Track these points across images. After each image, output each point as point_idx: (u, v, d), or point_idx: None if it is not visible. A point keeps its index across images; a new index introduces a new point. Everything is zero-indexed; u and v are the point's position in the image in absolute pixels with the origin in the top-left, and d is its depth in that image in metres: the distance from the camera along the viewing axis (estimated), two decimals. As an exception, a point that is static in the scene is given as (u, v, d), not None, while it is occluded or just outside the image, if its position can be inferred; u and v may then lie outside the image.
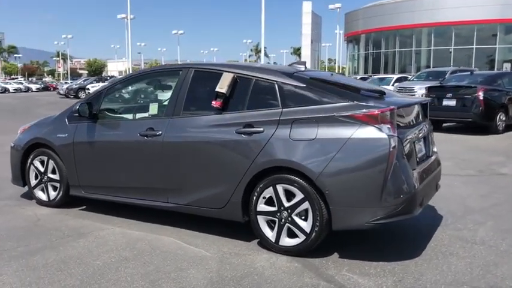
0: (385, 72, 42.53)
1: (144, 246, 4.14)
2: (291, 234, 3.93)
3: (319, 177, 3.70)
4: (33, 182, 5.45)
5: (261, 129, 3.98)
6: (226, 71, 4.31)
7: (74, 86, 37.83)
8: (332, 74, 4.72)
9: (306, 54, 47.51)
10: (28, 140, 5.41)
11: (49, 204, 5.34)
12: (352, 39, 53.16)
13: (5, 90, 53.79)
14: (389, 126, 3.67)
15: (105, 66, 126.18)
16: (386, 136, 3.62)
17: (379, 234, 4.46)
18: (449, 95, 12.27)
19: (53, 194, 5.31)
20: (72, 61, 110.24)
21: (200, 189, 4.28)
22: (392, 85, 21.47)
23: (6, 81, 65.74)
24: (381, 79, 24.28)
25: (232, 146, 4.09)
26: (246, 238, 4.25)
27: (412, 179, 3.78)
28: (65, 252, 4.00)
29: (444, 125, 13.21)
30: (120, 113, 5.04)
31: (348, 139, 3.68)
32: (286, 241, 3.93)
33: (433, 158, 4.58)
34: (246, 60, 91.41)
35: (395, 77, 23.86)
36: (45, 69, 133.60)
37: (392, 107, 3.72)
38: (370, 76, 29.60)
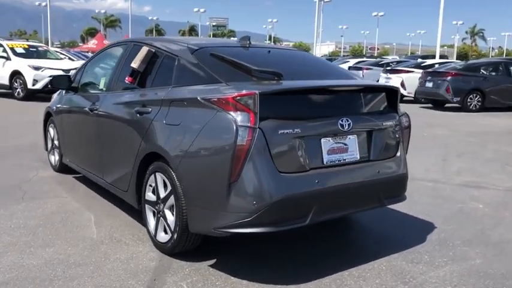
0: None
1: (56, 219, 4.16)
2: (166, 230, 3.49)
3: (178, 169, 3.18)
4: (49, 147, 5.97)
5: (149, 109, 3.59)
6: (147, 45, 4.00)
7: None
8: (270, 52, 3.94)
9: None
10: (45, 110, 5.93)
11: (54, 168, 5.79)
12: None
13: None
14: (248, 114, 2.90)
15: (309, 50, 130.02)
16: (234, 126, 2.88)
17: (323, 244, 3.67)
18: None
19: (56, 159, 5.74)
20: (281, 43, 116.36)
21: (115, 169, 4.11)
22: None
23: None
24: None
25: (131, 126, 3.80)
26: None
27: (279, 183, 2.93)
28: (-6, 213, 4.29)
29: None
30: (87, 87, 5.12)
31: (203, 127, 3.06)
32: (161, 236, 3.50)
33: (378, 163, 3.46)
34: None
35: None
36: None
37: (253, 91, 2.92)
38: None
